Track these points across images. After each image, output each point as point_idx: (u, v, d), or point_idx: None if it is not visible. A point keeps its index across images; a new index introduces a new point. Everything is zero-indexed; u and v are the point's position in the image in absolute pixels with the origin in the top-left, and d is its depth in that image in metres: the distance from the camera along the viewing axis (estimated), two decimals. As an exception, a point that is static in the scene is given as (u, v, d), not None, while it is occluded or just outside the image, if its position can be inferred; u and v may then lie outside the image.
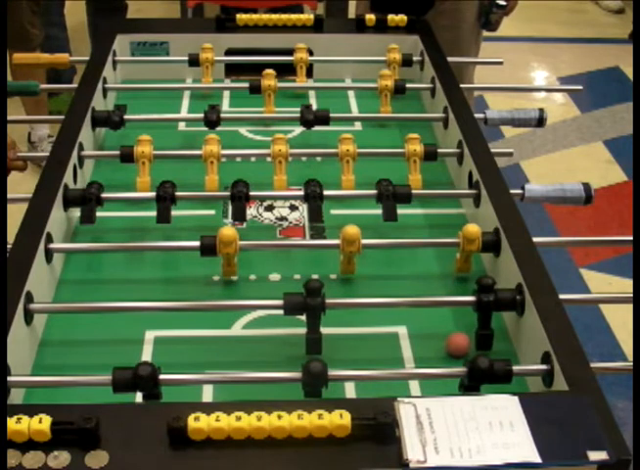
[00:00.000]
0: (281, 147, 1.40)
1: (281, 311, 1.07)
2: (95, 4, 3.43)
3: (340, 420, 0.82)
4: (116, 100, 1.68)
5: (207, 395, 1.01)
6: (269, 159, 1.42)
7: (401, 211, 1.30)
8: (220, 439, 0.82)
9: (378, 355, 1.10)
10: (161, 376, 0.94)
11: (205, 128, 1.52)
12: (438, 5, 2.17)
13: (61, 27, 3.35)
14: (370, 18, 1.80)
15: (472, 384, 0.96)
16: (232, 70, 1.81)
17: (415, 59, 1.75)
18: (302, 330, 1.12)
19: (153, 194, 1.29)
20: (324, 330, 1.10)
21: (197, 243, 1.21)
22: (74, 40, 3.45)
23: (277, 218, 1.38)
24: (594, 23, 4.74)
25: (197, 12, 3.42)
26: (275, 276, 1.24)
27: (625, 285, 2.56)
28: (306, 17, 1.80)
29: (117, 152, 1.41)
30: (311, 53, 1.76)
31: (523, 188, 1.35)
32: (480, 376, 0.95)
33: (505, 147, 3.34)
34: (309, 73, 1.77)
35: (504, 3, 2.17)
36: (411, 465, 0.79)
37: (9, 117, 1.47)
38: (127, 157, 1.40)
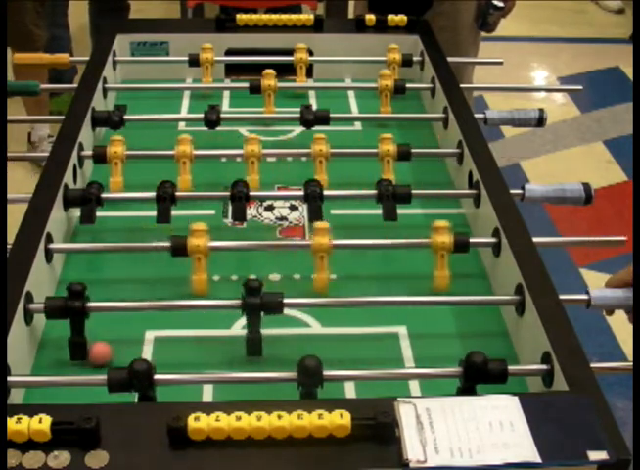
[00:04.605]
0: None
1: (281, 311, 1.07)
2: (98, 4, 3.43)
3: (340, 420, 0.82)
4: (116, 100, 1.68)
5: (207, 395, 1.01)
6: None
7: (401, 211, 1.30)
8: (220, 439, 0.82)
9: (378, 355, 1.10)
10: (158, 376, 0.94)
11: (206, 128, 1.52)
12: (437, 6, 2.17)
13: (64, 28, 3.35)
14: (370, 18, 1.80)
15: (467, 384, 0.96)
16: (232, 70, 1.81)
17: (415, 59, 1.75)
18: (303, 330, 1.13)
19: (153, 194, 1.29)
20: (324, 330, 1.11)
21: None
22: (75, 41, 3.45)
23: (277, 218, 1.38)
24: (594, 23, 4.73)
25: (197, 12, 3.42)
26: (275, 276, 1.24)
27: (625, 285, 2.56)
28: (306, 17, 1.80)
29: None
30: (311, 53, 1.76)
31: (523, 188, 1.35)
32: (476, 371, 0.95)
33: (505, 147, 3.35)
34: (309, 73, 1.77)
35: (501, 4, 2.17)
36: (411, 465, 0.79)
37: (9, 117, 1.47)
38: (100, 157, 1.40)
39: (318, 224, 1.19)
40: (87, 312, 1.06)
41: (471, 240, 1.31)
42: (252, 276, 1.14)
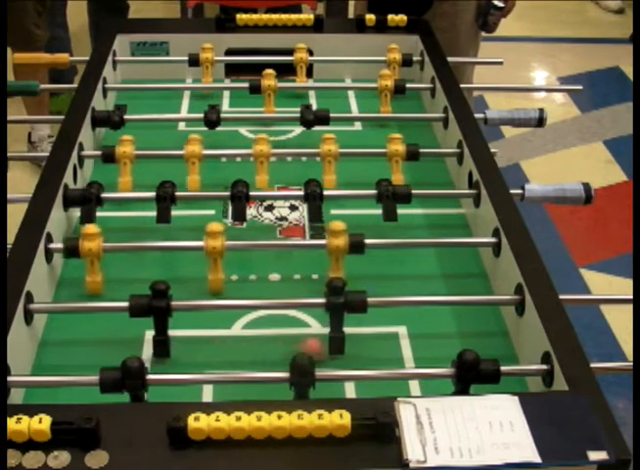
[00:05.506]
0: (262, 147, 1.40)
1: (281, 311, 1.07)
2: (97, 4, 3.43)
3: (340, 420, 0.82)
4: (116, 100, 1.68)
5: (207, 395, 1.01)
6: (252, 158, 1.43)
7: (401, 211, 1.30)
8: (220, 439, 0.82)
9: (378, 355, 1.10)
10: (157, 376, 0.94)
11: (206, 128, 1.52)
12: (437, 6, 2.17)
13: (64, 28, 3.35)
14: (370, 18, 1.80)
15: (461, 385, 0.95)
16: (232, 69, 1.81)
17: (415, 59, 1.75)
18: (303, 330, 1.13)
19: (153, 194, 1.29)
20: (324, 330, 1.10)
21: (197, 243, 1.22)
22: (74, 41, 3.45)
23: (277, 218, 1.38)
24: (594, 23, 4.73)
25: (197, 12, 3.42)
26: (275, 276, 1.24)
27: (625, 285, 2.56)
28: (306, 17, 1.80)
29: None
30: (311, 53, 1.76)
31: (523, 188, 1.35)
32: (469, 368, 0.94)
33: (505, 147, 3.35)
34: (309, 73, 1.77)
35: (502, 4, 2.18)
36: (411, 465, 0.79)
37: (9, 117, 1.47)
38: (109, 157, 1.40)
39: (212, 226, 1.17)
40: (171, 311, 1.05)
41: (471, 240, 1.32)
42: (335, 276, 1.13)
